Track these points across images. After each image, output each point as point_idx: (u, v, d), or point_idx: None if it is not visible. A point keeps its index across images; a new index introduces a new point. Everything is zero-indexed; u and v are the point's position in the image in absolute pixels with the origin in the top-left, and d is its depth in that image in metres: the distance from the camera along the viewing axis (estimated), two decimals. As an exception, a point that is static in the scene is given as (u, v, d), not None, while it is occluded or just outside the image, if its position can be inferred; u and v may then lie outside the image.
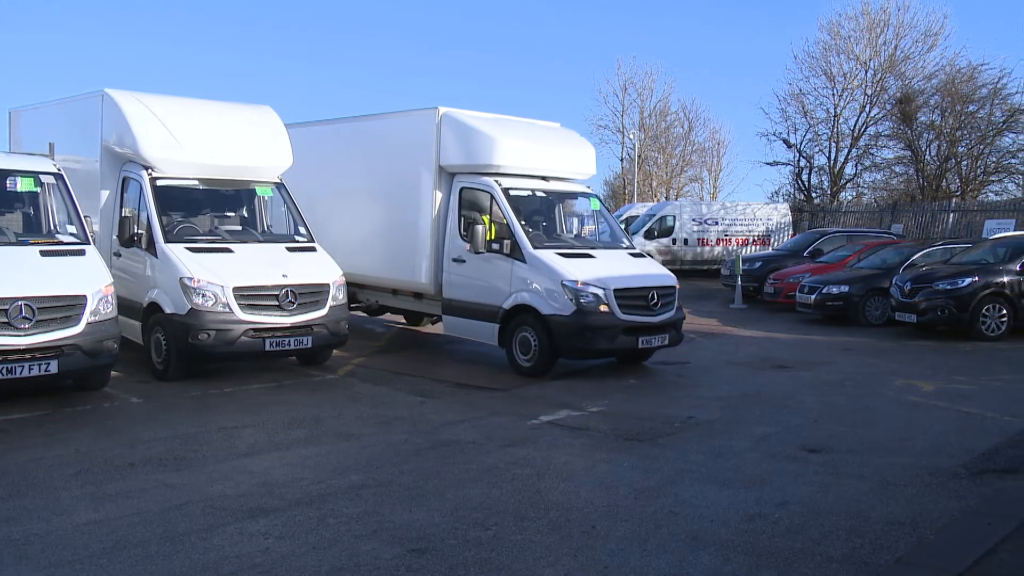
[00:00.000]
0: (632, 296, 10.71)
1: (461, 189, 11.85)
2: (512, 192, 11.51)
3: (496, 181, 11.49)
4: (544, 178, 12.15)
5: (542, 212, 12.25)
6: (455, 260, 11.71)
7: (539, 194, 12.07)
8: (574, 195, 12.92)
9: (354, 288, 13.35)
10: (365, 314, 14.90)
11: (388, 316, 15.00)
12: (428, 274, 12.13)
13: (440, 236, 11.95)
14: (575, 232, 13.51)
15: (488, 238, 11.14)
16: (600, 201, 13.10)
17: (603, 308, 10.43)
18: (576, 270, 10.59)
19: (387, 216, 13.02)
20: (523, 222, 11.27)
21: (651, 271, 11.62)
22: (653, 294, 10.84)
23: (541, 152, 12.15)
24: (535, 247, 10.92)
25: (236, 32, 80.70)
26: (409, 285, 12.75)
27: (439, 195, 12.00)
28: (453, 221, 11.82)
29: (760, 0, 67.07)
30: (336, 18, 78.92)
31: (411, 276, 12.50)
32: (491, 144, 11.48)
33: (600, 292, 10.42)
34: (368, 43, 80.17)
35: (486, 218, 11.38)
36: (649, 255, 13.88)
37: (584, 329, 10.36)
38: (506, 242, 11.04)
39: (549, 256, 10.86)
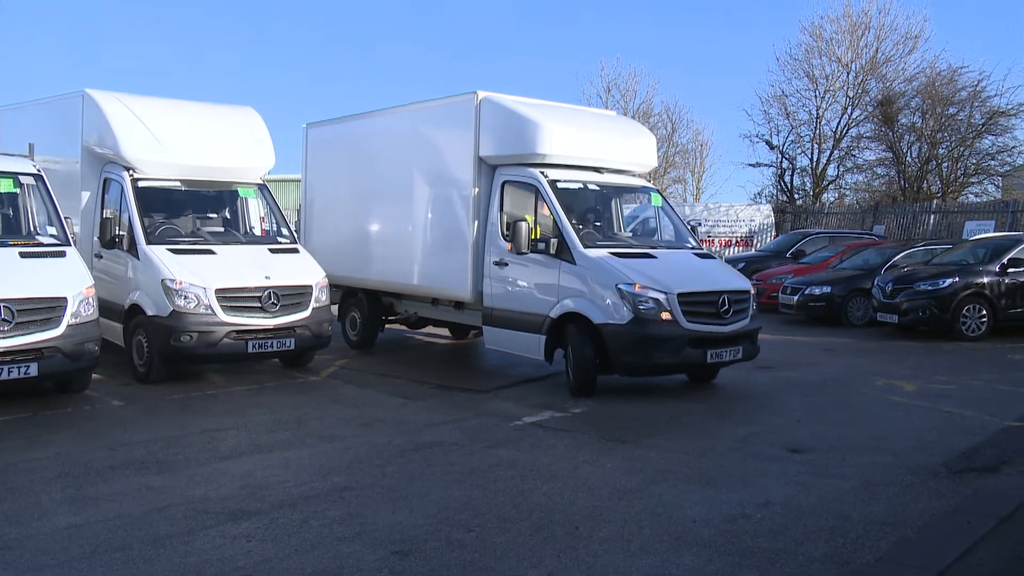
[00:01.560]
0: (699, 302, 9.41)
1: (503, 183, 10.64)
2: (560, 185, 10.25)
3: (542, 173, 10.26)
4: (597, 170, 10.97)
5: (595, 208, 11.06)
6: (496, 263, 10.49)
7: (591, 188, 10.88)
8: (632, 189, 11.64)
9: (391, 299, 12.93)
10: (405, 327, 13.94)
11: (429, 328, 14.38)
12: (467, 280, 10.87)
13: (480, 237, 10.77)
14: (633, 231, 12.04)
15: (532, 237, 9.93)
16: (662, 196, 11.69)
17: (665, 316, 9.14)
18: (633, 272, 9.35)
19: (423, 216, 11.94)
20: (573, 219, 10.03)
21: (721, 273, 10.41)
22: (724, 299, 9.50)
23: (594, 141, 10.93)
24: (586, 246, 9.68)
25: (223, 33, 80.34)
26: (447, 293, 11.54)
27: (478, 191, 10.77)
28: (495, 219, 10.58)
29: (742, 2, 67.29)
30: (310, 19, 78.63)
31: (449, 283, 11.30)
32: (536, 131, 10.27)
33: (661, 297, 9.13)
34: (349, 44, 79.95)
35: (530, 217, 10.21)
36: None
37: (643, 340, 9.11)
38: (553, 241, 9.81)
39: (602, 256, 9.61)
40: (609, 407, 9.18)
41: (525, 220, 9.91)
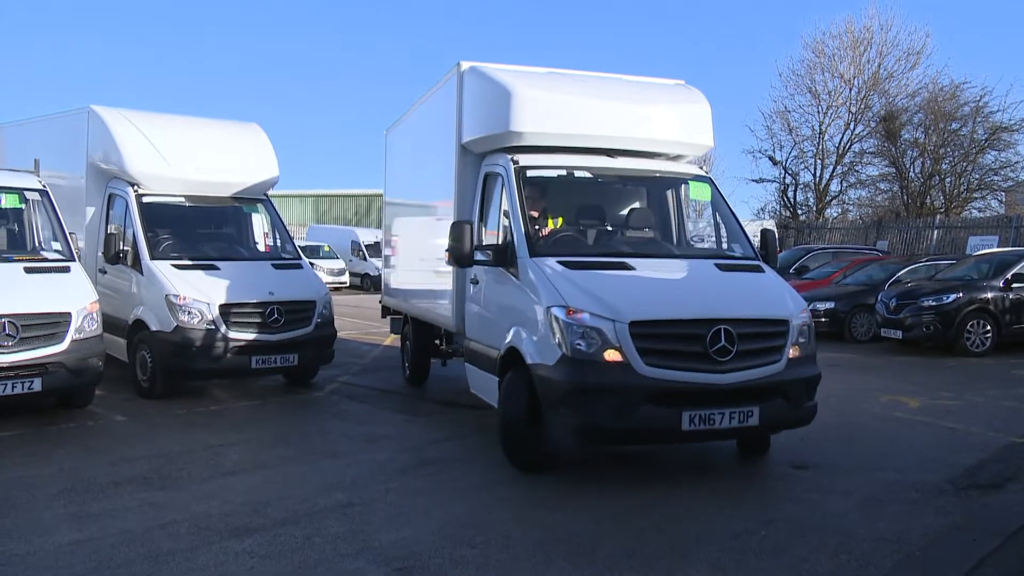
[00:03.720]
0: (670, 335, 6.38)
1: (485, 176, 8.29)
2: (532, 173, 7.71)
3: (513, 159, 7.72)
4: (609, 152, 8.08)
5: (595, 205, 8.32)
6: (472, 281, 8.23)
7: (583, 177, 8.08)
8: (656, 178, 8.48)
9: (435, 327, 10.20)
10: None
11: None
12: (450, 303, 8.78)
13: None
14: (679, 236, 8.64)
15: (472, 245, 7.37)
16: (713, 187, 8.29)
17: (611, 356, 6.19)
18: (575, 289, 6.51)
19: (428, 224, 10.26)
20: (555, 218, 8.00)
21: (739, 293, 7.10)
22: (718, 333, 6.25)
23: (597, 113, 7.97)
24: (536, 253, 7.07)
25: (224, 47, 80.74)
26: (440, 320, 9.48)
27: (459, 187, 8.61)
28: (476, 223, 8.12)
29: (745, 18, 67.58)
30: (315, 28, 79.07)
31: (439, 308, 9.41)
32: (506, 102, 7.68)
33: (605, 327, 6.20)
34: (353, 48, 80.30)
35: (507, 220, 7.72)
36: None
37: (570, 393, 6.22)
38: (501, 247, 7.44)
39: (545, 266, 6.87)
40: None
41: (469, 223, 7.50)
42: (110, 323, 9.87)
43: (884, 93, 35.90)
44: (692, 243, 8.85)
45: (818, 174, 38.11)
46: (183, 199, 11.02)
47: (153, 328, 9.88)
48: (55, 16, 78.56)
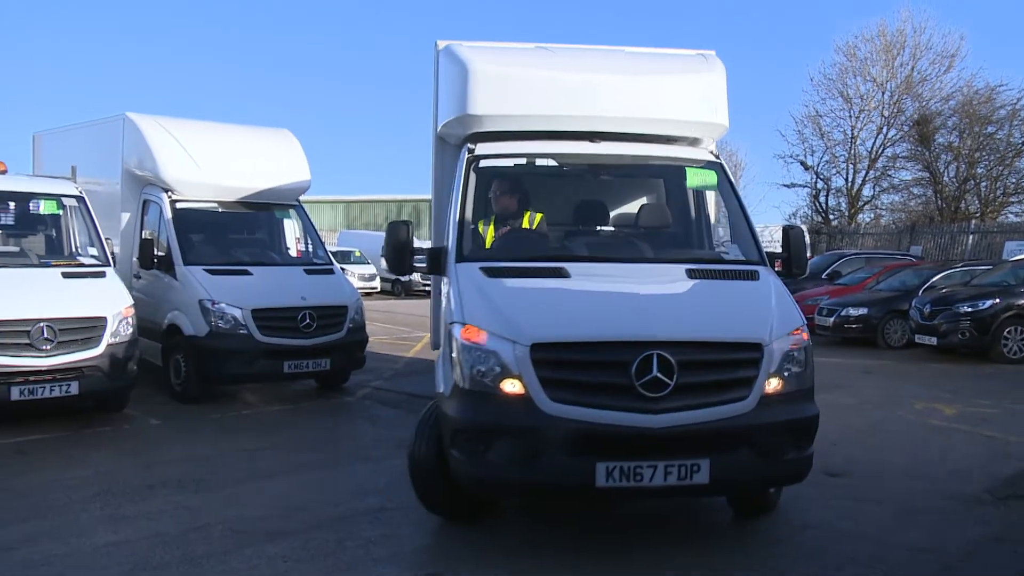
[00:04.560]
0: (580, 363, 4.94)
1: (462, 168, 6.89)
2: (486, 164, 6.50)
3: (468, 148, 6.57)
4: (590, 137, 6.69)
5: (575, 198, 7.26)
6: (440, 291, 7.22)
7: (547, 166, 6.86)
8: (659, 166, 7.04)
9: None
10: None
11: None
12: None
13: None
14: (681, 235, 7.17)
15: (410, 251, 6.23)
16: (720, 175, 6.65)
17: (509, 387, 4.88)
18: (480, 302, 5.27)
19: None
20: (533, 213, 6.62)
21: (694, 306, 5.58)
22: (648, 360, 4.77)
23: (574, 87, 6.63)
24: (463, 257, 5.92)
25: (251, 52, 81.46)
26: None
27: (439, 182, 7.83)
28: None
29: (775, 22, 67.18)
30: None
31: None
32: (463, 79, 6.62)
33: (502, 352, 4.91)
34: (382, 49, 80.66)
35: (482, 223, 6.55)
36: None
37: (463, 432, 5.03)
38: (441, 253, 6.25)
39: (467, 274, 5.62)
40: None
41: (407, 224, 6.28)
42: (145, 327, 9.96)
43: (917, 97, 35.55)
44: (701, 244, 7.23)
45: (850, 179, 37.85)
46: (216, 205, 11.13)
47: (187, 333, 9.97)
48: (91, 23, 79.71)
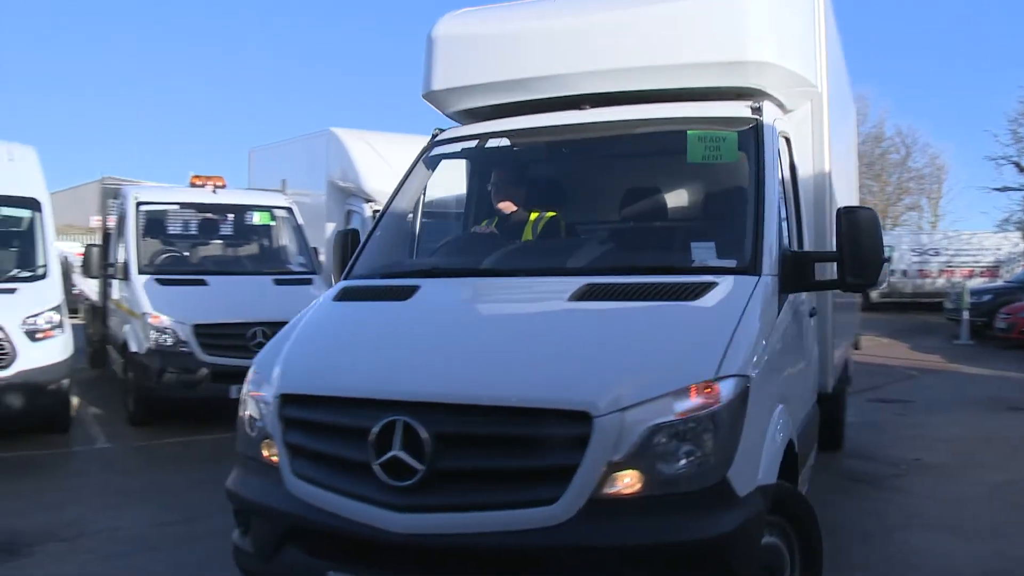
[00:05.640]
0: (321, 427, 3.64)
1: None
2: (440, 150, 5.35)
3: (434, 133, 5.49)
4: (577, 103, 4.93)
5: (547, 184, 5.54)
6: None
7: (500, 147, 5.35)
8: (657, 134, 4.89)
9: None
10: None
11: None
12: None
13: None
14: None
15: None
16: (752, 137, 4.37)
17: (268, 452, 3.73)
18: None
19: None
20: (545, 215, 4.94)
21: (514, 348, 3.67)
22: (389, 429, 3.23)
23: (548, 40, 4.93)
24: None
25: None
26: None
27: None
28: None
29: (981, 17, 62.84)
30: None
31: None
32: (427, 48, 5.40)
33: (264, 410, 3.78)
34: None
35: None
36: None
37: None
38: None
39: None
40: (845, 445, 8.59)
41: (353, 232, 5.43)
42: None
43: None
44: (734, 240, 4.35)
45: (1072, 181, 34.73)
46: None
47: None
48: (301, 43, 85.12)
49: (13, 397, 8.02)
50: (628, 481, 3.01)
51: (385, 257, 4.96)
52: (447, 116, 5.71)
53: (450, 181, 6.02)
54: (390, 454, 3.16)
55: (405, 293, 4.14)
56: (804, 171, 5.09)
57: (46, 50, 78.77)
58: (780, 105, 4.92)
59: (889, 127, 45.65)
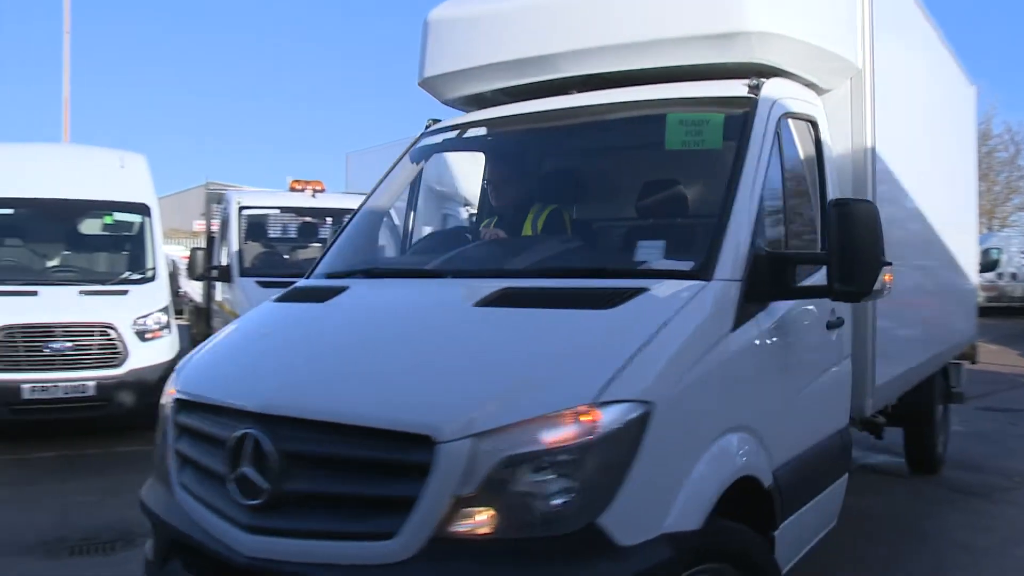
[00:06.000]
0: (197, 433, 3.40)
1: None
2: (427, 141, 5.20)
3: (427, 124, 5.37)
4: (564, 87, 4.60)
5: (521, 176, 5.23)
6: None
7: (478, 136, 5.10)
8: (638, 119, 4.29)
9: None
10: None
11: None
12: None
13: None
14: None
15: None
16: (740, 121, 3.74)
17: None
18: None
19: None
20: (544, 210, 4.64)
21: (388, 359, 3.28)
22: (241, 443, 2.97)
23: (538, 18, 4.53)
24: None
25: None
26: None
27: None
28: None
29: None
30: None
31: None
32: (422, 34, 5.12)
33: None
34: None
35: None
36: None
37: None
38: None
39: None
40: (951, 455, 8.08)
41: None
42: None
43: None
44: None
45: None
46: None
47: None
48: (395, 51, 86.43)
49: (125, 394, 8.57)
50: (481, 519, 2.60)
51: (350, 256, 4.63)
52: (444, 105, 5.44)
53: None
54: (240, 470, 2.91)
55: (329, 295, 3.90)
56: (840, 159, 4.54)
57: (158, 60, 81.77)
58: (812, 85, 4.43)
59: (997, 124, 43.94)
